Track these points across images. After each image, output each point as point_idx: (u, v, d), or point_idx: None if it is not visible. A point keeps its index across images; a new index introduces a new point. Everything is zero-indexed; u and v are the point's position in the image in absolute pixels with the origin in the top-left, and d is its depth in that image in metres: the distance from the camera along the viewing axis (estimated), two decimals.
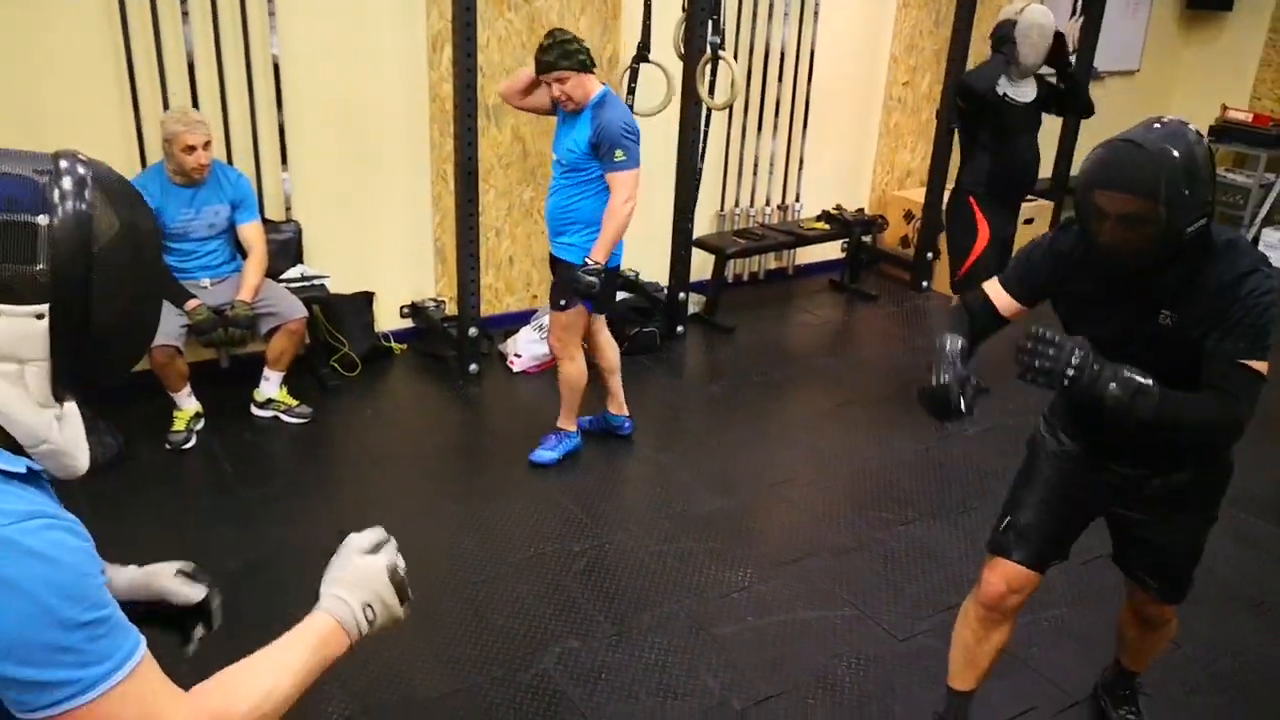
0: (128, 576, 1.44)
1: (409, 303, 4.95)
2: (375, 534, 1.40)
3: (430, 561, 3.36)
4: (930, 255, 6.14)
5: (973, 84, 4.50)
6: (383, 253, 4.82)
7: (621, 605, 3.22)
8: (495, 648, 2.99)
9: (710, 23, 4.62)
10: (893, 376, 5.11)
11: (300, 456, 4.07)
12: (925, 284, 6.20)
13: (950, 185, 4.92)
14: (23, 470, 1.06)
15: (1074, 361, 1.96)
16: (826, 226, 5.88)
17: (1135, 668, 2.76)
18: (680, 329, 5.26)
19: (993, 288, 2.30)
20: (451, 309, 4.90)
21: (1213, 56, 7.48)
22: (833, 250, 6.28)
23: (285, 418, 4.18)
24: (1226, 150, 7.27)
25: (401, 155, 4.70)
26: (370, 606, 1.32)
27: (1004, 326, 2.32)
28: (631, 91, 4.53)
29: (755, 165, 5.84)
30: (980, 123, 4.52)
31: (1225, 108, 7.15)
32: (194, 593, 1.48)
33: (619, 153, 3.60)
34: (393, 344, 4.86)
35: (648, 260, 5.27)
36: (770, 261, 6.20)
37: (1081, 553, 3.23)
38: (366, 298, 4.78)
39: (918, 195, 6.20)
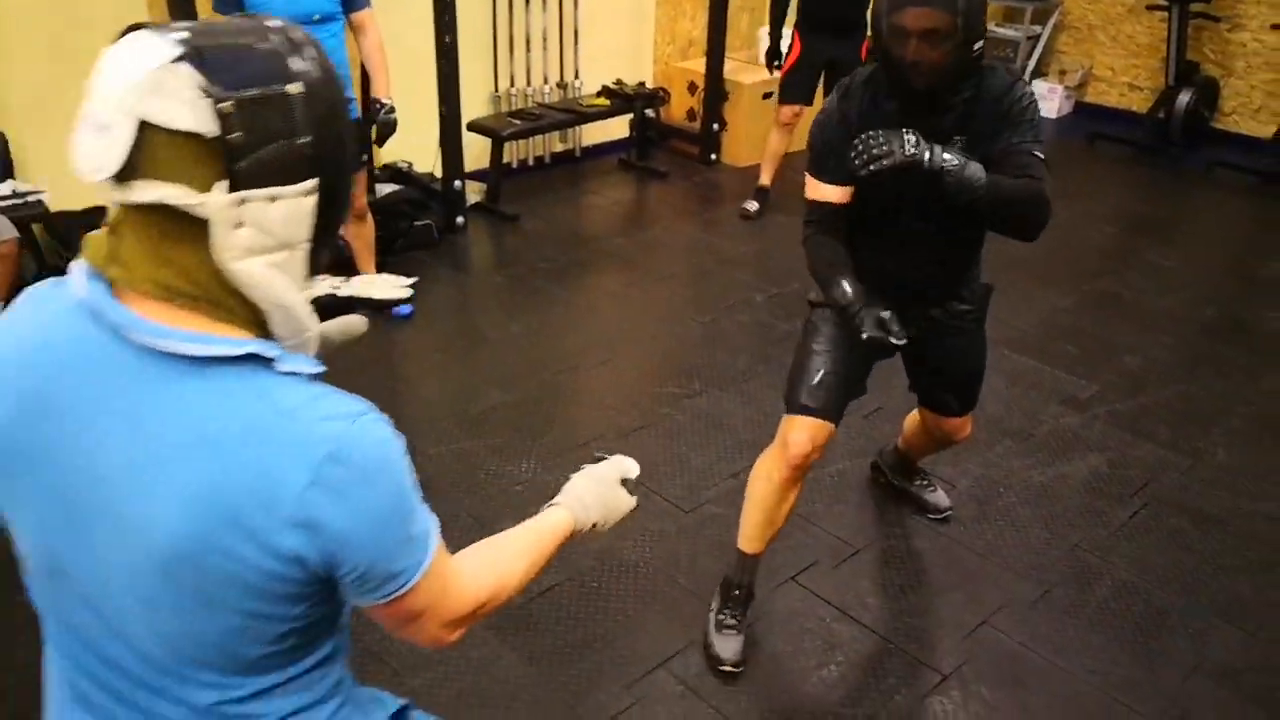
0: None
1: None
2: (634, 470, 1.47)
3: None
4: (716, 127, 6.05)
5: None
6: None
7: None
8: None
9: None
10: (682, 252, 5.04)
11: None
12: (714, 156, 6.12)
13: None
14: (322, 370, 1.03)
15: (909, 139, 2.01)
16: (607, 102, 5.69)
17: (917, 456, 3.08)
18: (460, 220, 5.01)
19: (816, 191, 2.31)
20: None
21: None
22: (621, 129, 6.10)
23: None
24: (995, 5, 7.41)
25: None
26: (596, 526, 1.40)
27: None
28: None
29: (528, 41, 5.57)
30: None
31: None
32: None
33: None
34: None
35: (418, 150, 4.96)
36: (556, 144, 5.98)
37: (862, 407, 3.29)
38: (100, 213, 4.29)
39: (701, 66, 6.07)
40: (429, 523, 1.07)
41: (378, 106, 3.80)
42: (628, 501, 1.44)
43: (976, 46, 2.09)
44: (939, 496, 3.11)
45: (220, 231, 0.93)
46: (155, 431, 0.95)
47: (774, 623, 2.69)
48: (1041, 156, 2.16)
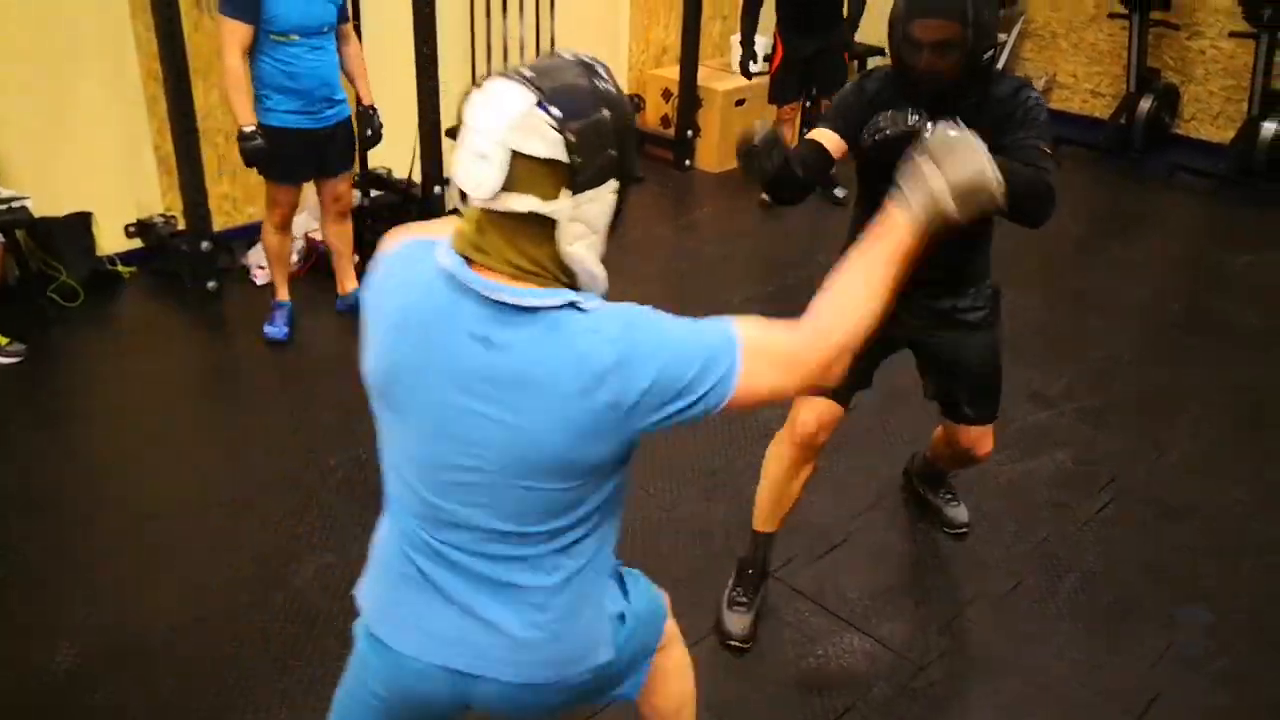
0: None
1: (135, 220, 4.53)
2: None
3: (174, 488, 3.14)
4: (690, 133, 6.13)
5: None
6: (97, 168, 4.36)
7: (378, 515, 3.10)
8: (245, 572, 2.84)
9: None
10: (658, 255, 5.11)
11: (17, 398, 3.68)
12: (688, 162, 6.20)
13: None
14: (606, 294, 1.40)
15: (913, 115, 2.13)
16: None
17: (948, 469, 3.10)
18: None
19: (818, 132, 2.44)
20: (183, 224, 4.51)
21: None
22: None
23: None
24: None
25: (102, 56, 4.23)
26: (946, 202, 1.54)
27: (832, 165, 2.46)
28: None
29: (505, 49, 5.61)
30: None
31: None
32: None
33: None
34: (120, 266, 4.45)
35: (395, 154, 5.00)
36: None
37: None
38: (83, 218, 4.33)
39: (675, 73, 6.13)
40: (722, 338, 1.36)
41: (370, 112, 3.94)
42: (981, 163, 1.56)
43: (986, 55, 2.21)
44: (959, 511, 3.12)
45: (563, 227, 1.29)
46: (509, 357, 1.31)
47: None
48: (1049, 152, 2.26)
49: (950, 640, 2.72)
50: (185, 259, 4.32)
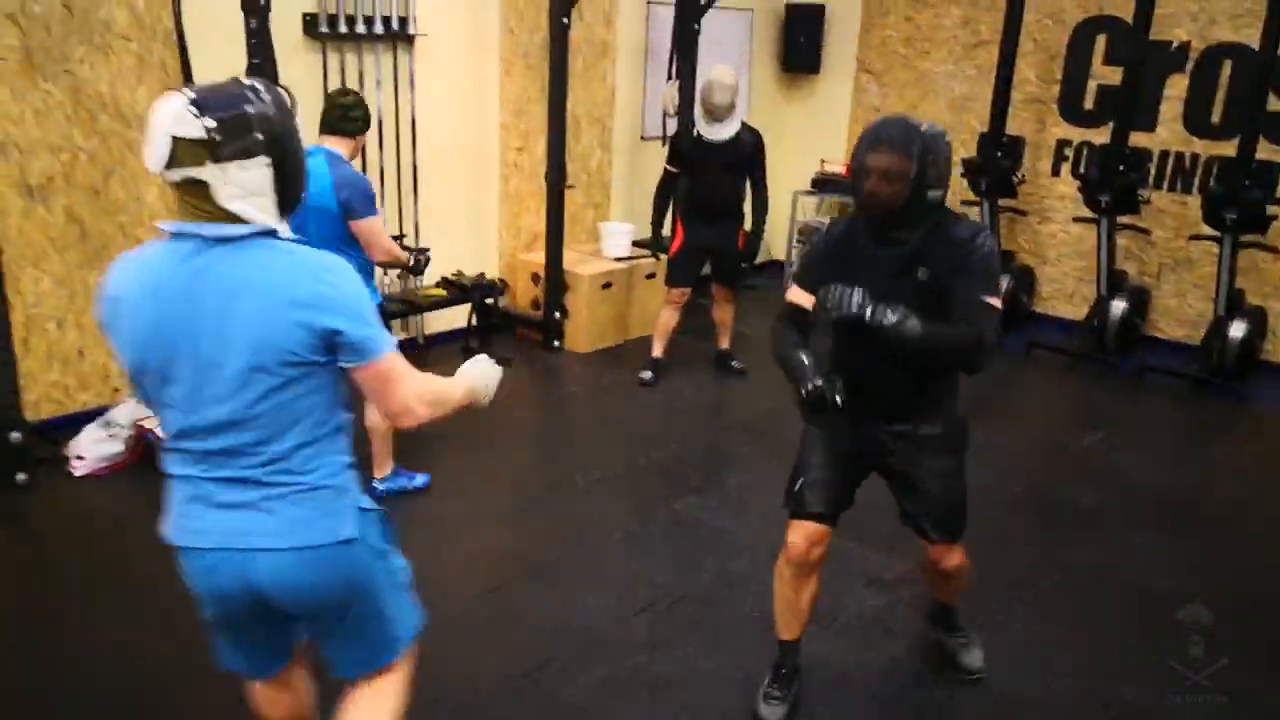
0: None
1: None
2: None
3: None
4: (558, 315, 6.19)
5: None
6: None
7: None
8: None
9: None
10: (528, 431, 5.06)
11: None
12: (556, 343, 6.24)
13: None
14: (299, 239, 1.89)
15: (858, 299, 2.46)
16: (444, 293, 5.79)
17: (951, 603, 3.26)
18: None
19: (793, 294, 2.76)
20: None
21: (809, 115, 8.09)
22: (465, 317, 6.19)
23: None
24: (829, 200, 7.87)
25: None
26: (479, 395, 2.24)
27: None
28: None
29: None
30: (682, 158, 5.50)
31: (823, 162, 7.74)
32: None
33: None
34: None
35: None
36: (398, 331, 6.01)
37: None
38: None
39: (544, 258, 6.23)
40: (388, 332, 1.90)
41: None
42: (495, 372, 2.30)
43: (931, 194, 2.50)
44: (972, 657, 3.23)
45: (216, 188, 1.75)
46: (223, 280, 1.77)
47: None
48: (994, 303, 2.53)
49: None
50: None
